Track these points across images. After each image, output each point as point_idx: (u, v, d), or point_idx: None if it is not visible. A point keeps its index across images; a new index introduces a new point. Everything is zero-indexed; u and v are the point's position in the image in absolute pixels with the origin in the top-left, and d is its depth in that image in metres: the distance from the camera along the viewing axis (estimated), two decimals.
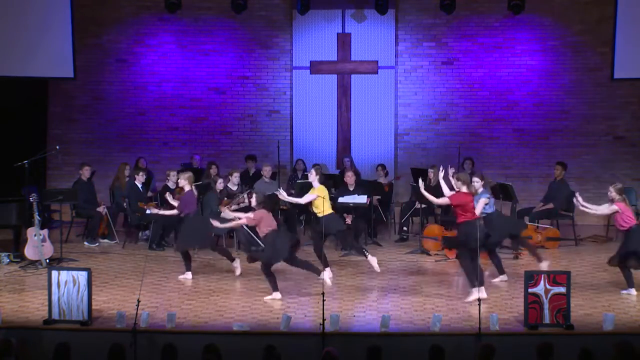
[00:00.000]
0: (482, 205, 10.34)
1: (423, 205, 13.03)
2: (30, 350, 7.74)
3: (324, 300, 8.57)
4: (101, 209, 13.38)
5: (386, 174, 14.40)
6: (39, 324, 8.92)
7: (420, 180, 10.54)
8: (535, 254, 11.33)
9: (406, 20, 15.75)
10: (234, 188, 13.29)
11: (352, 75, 15.78)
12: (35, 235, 11.60)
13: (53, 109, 16.07)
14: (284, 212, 13.15)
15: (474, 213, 9.93)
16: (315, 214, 11.13)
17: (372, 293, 10.43)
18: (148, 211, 12.93)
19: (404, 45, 15.79)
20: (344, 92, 15.81)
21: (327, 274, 10.20)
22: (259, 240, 12.34)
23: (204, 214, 12.01)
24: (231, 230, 12.56)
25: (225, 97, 16.01)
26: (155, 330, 8.67)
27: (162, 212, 11.68)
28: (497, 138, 15.78)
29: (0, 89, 14.93)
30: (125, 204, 13.34)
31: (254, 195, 10.22)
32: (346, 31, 15.74)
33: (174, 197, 11.88)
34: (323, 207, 10.75)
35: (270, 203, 10.33)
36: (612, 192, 10.16)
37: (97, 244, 13.26)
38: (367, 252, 11.15)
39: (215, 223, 10.57)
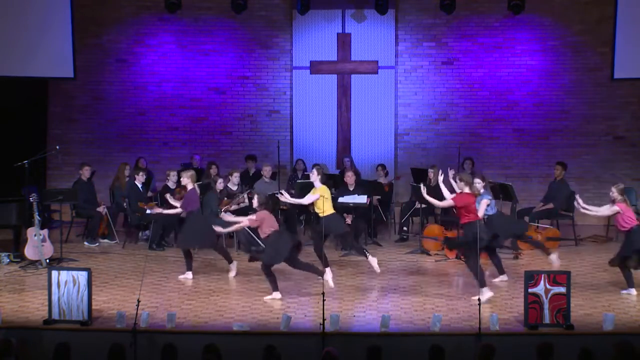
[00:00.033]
0: (484, 206, 10.34)
1: (423, 205, 13.03)
2: (30, 350, 7.74)
3: (324, 300, 8.57)
4: (101, 209, 13.38)
5: (386, 174, 14.40)
6: (39, 324, 8.92)
7: (422, 186, 10.53)
8: (543, 248, 11.40)
9: (406, 20, 15.75)
10: (234, 188, 13.29)
11: (352, 75, 15.78)
12: (35, 235, 11.60)
13: (53, 109, 16.07)
14: (283, 212, 13.14)
15: (477, 214, 9.94)
16: (315, 214, 11.13)
17: (372, 293, 10.43)
18: (148, 211, 12.95)
19: (404, 45, 15.79)
20: (344, 92, 15.81)
21: (329, 276, 10.18)
22: (259, 241, 12.36)
23: (203, 214, 12.00)
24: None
25: (225, 97, 16.01)
26: (155, 330, 8.67)
27: (165, 211, 11.66)
28: (497, 138, 15.78)
29: (0, 89, 14.94)
30: (125, 204, 13.34)
31: (255, 197, 10.20)
32: (346, 31, 15.74)
33: (174, 197, 11.90)
34: (325, 207, 10.76)
35: (272, 204, 10.32)
36: (614, 193, 10.16)
37: (97, 244, 13.26)
38: (368, 252, 11.15)
39: (218, 229, 10.55)
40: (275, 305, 9.72)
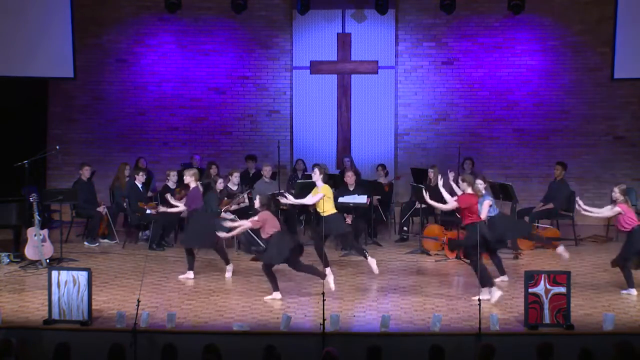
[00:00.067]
0: (487, 207, 10.36)
1: (423, 205, 13.02)
2: (30, 350, 7.74)
3: (324, 300, 8.58)
4: (101, 209, 13.38)
5: (386, 174, 14.40)
6: (39, 324, 8.92)
7: (425, 191, 10.51)
8: (549, 243, 11.42)
9: (406, 20, 15.75)
10: (234, 188, 13.29)
11: (352, 75, 15.78)
12: (35, 235, 11.60)
13: (53, 109, 16.07)
14: (283, 212, 13.14)
15: (479, 215, 9.94)
16: (316, 214, 11.12)
17: (372, 293, 10.43)
18: (148, 211, 12.96)
19: (404, 45, 15.79)
20: (344, 92, 15.81)
21: (330, 278, 10.15)
22: (259, 241, 12.36)
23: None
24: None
25: (225, 97, 16.01)
26: (155, 330, 8.67)
27: (170, 209, 11.64)
28: (497, 138, 15.78)
29: (0, 89, 14.93)
30: (125, 204, 13.34)
31: (257, 197, 10.18)
32: (346, 31, 15.74)
33: (174, 197, 11.90)
34: (327, 207, 10.77)
35: (274, 204, 10.32)
36: (617, 193, 10.15)
37: (97, 244, 13.26)
38: (367, 253, 11.16)
39: (222, 234, 10.52)
40: (275, 305, 9.72)
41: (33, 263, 11.62)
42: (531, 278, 8.88)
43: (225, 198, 12.73)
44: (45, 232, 11.82)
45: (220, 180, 12.68)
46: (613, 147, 15.59)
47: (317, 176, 10.97)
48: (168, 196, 11.88)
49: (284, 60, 15.89)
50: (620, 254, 10.24)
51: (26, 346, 7.63)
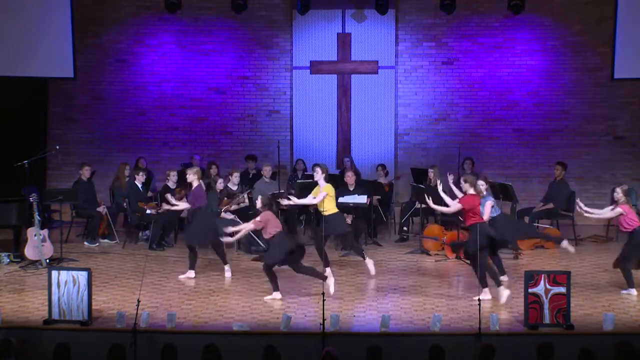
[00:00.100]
0: (489, 208, 10.36)
1: (423, 205, 13.01)
2: (30, 350, 7.74)
3: (324, 300, 8.58)
4: (101, 209, 13.38)
5: (386, 174, 14.40)
6: (39, 324, 8.92)
7: (427, 197, 10.50)
8: (552, 238, 11.43)
9: (406, 20, 15.75)
10: (234, 188, 13.30)
11: (352, 75, 15.78)
12: (35, 235, 11.60)
13: (53, 109, 16.07)
14: (283, 212, 13.14)
15: (481, 216, 9.93)
16: (316, 214, 11.12)
17: (372, 293, 10.43)
18: (148, 211, 12.96)
19: (404, 45, 15.79)
20: (344, 92, 15.81)
21: (330, 281, 10.13)
22: (259, 241, 12.38)
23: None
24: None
25: (225, 97, 16.01)
26: (155, 330, 8.67)
27: (174, 207, 11.62)
28: (497, 138, 15.78)
29: (0, 89, 14.93)
30: (125, 204, 13.34)
31: (259, 198, 10.16)
32: (346, 31, 15.74)
33: (174, 197, 11.89)
34: (328, 206, 10.79)
35: (275, 204, 10.30)
36: (619, 194, 10.15)
37: (97, 244, 13.26)
38: (366, 254, 11.18)
39: (227, 239, 10.50)
40: (275, 305, 9.72)
41: (33, 263, 11.62)
42: (531, 278, 8.88)
43: (225, 198, 12.73)
44: (45, 232, 11.82)
45: (220, 180, 12.69)
46: (613, 147, 15.59)
47: (319, 175, 10.97)
48: (168, 196, 11.87)
49: (284, 60, 15.89)
50: (622, 254, 10.24)
51: (26, 346, 7.63)
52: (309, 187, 11.76)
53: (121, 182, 13.81)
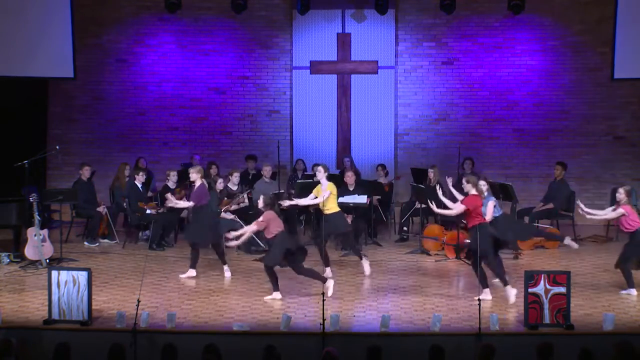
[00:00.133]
0: (492, 208, 10.35)
1: (423, 205, 13.02)
2: (30, 350, 7.74)
3: (324, 300, 8.57)
4: (101, 209, 13.38)
5: (386, 174, 14.40)
6: (39, 324, 8.91)
7: (431, 202, 10.50)
8: (554, 236, 11.44)
9: (406, 20, 15.75)
10: (234, 188, 13.30)
11: (352, 75, 15.78)
12: (35, 235, 11.60)
13: (53, 109, 16.07)
14: (283, 212, 13.13)
15: (483, 216, 9.91)
16: (316, 214, 11.12)
17: (372, 293, 10.43)
18: (148, 211, 12.96)
19: (404, 45, 15.79)
20: (344, 92, 15.81)
21: (330, 283, 10.12)
22: (259, 241, 12.38)
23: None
24: (231, 230, 12.54)
25: (225, 97, 16.01)
26: (155, 330, 8.67)
27: (178, 204, 11.60)
28: (497, 138, 15.78)
29: (0, 89, 14.93)
30: (125, 204, 13.34)
31: (261, 197, 10.15)
32: (346, 31, 15.74)
33: (174, 197, 11.88)
34: (330, 205, 10.81)
35: (277, 204, 10.30)
36: (622, 194, 10.13)
37: (97, 244, 13.26)
38: (363, 256, 11.21)
39: (233, 243, 10.46)
40: (275, 305, 9.72)
41: (33, 263, 11.62)
42: (531, 278, 8.88)
43: (225, 198, 12.73)
44: (45, 232, 11.82)
45: (220, 180, 12.69)
46: (613, 147, 15.59)
47: (322, 174, 11.01)
48: (169, 195, 11.87)
49: (284, 60, 15.89)
50: (622, 254, 10.23)
51: (26, 346, 7.63)
52: (309, 187, 11.76)
53: (121, 182, 13.81)
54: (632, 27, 14.59)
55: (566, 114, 15.64)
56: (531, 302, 8.82)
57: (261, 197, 10.13)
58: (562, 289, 8.83)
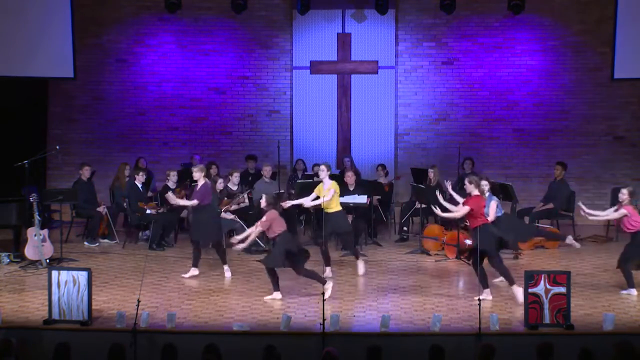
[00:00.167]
0: (494, 208, 10.34)
1: (423, 205, 13.03)
2: (30, 350, 7.74)
3: (324, 300, 8.58)
4: (101, 209, 13.38)
5: (386, 174, 14.40)
6: (39, 324, 8.91)
7: (435, 208, 10.48)
8: (555, 236, 11.44)
9: (406, 20, 15.75)
10: (234, 188, 13.30)
11: (352, 75, 15.78)
12: (35, 235, 11.60)
13: (53, 109, 16.07)
14: (284, 212, 13.12)
15: (486, 217, 9.91)
16: (316, 214, 11.12)
17: (372, 293, 10.42)
18: (148, 211, 12.96)
19: (404, 45, 15.79)
20: (344, 92, 15.81)
21: (329, 285, 10.10)
22: (259, 241, 12.37)
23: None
24: (232, 230, 12.57)
25: (225, 97, 16.01)
26: (155, 330, 8.67)
27: (181, 202, 11.59)
28: (497, 138, 15.78)
29: (0, 89, 14.93)
30: (125, 204, 13.34)
31: (263, 197, 10.14)
32: (346, 31, 15.74)
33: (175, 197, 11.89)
34: (333, 203, 10.83)
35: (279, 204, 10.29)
36: (625, 195, 10.12)
37: (97, 244, 13.26)
38: (361, 256, 11.22)
39: (239, 247, 10.43)
40: (275, 305, 9.72)
41: (33, 263, 11.62)
42: (531, 278, 8.88)
43: (225, 198, 12.74)
44: (45, 232, 11.82)
45: (220, 180, 12.69)
46: (613, 147, 15.59)
47: (324, 173, 11.04)
48: (170, 194, 11.87)
49: (284, 60, 15.89)
50: (623, 254, 10.23)
51: (26, 346, 7.63)
52: (309, 187, 11.76)
53: (121, 182, 13.81)
54: (632, 27, 14.59)
55: (566, 114, 15.64)
56: (531, 302, 8.82)
57: (264, 197, 10.12)
58: (562, 289, 8.83)
